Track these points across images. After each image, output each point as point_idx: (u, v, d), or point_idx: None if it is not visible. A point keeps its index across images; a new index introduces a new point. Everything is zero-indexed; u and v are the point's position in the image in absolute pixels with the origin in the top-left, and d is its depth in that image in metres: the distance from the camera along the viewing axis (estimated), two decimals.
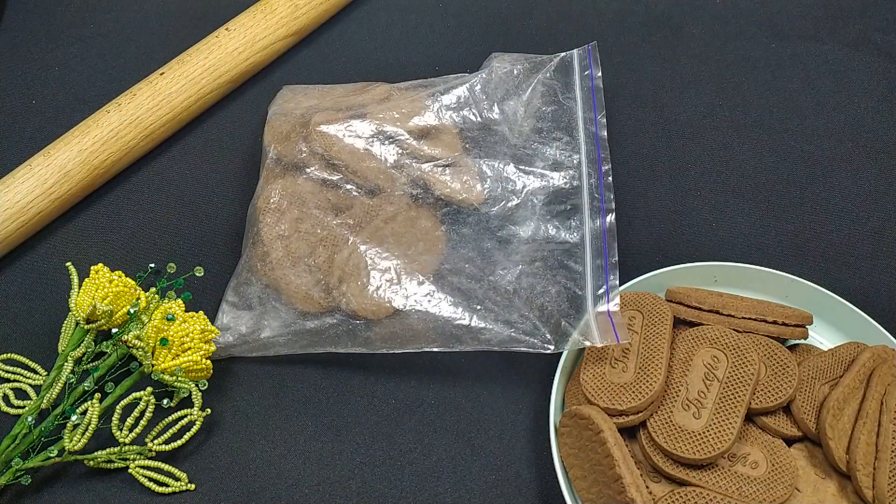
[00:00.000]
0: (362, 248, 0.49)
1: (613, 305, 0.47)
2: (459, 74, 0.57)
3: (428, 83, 0.57)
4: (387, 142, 0.53)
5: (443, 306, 0.47)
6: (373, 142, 0.52)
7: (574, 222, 0.51)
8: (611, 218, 0.50)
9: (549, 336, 0.46)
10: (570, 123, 0.55)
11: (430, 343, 0.47)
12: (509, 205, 0.52)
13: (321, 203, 0.51)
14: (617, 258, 0.48)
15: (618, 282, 0.47)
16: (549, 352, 0.46)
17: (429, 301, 0.48)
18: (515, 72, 0.57)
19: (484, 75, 0.56)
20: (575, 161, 0.53)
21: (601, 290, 0.47)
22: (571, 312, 0.47)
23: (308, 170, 0.52)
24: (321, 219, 0.50)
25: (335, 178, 0.52)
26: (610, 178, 0.52)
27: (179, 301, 0.46)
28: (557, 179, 0.53)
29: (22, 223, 0.51)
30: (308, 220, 0.50)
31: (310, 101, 0.56)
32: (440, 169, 0.52)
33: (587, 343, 0.45)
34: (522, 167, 0.53)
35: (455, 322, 0.47)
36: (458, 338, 0.47)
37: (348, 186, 0.51)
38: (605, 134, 0.54)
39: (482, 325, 0.47)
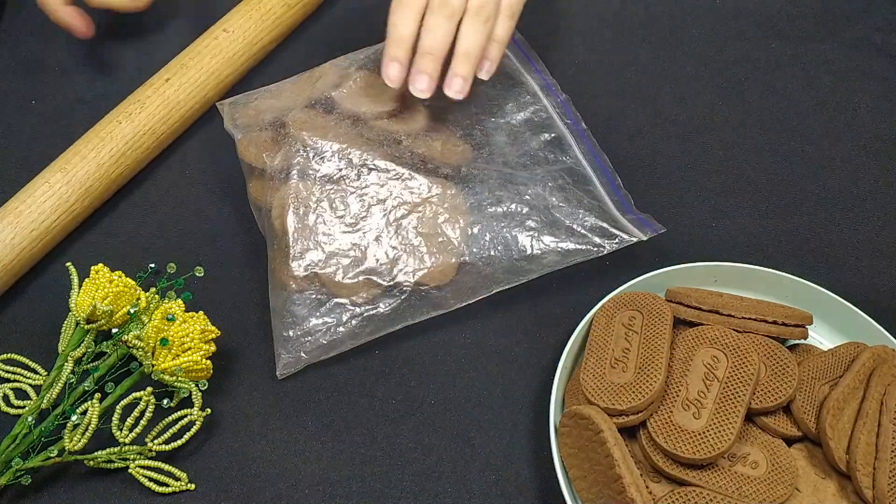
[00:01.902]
0: (404, 222, 0.50)
1: (630, 205, 0.51)
2: None
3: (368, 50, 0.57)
4: (368, 123, 0.53)
5: (499, 244, 0.49)
6: (357, 126, 0.53)
7: (564, 146, 0.54)
8: (589, 134, 0.55)
9: (597, 240, 0.49)
10: (515, 77, 0.57)
11: (498, 284, 0.48)
12: (503, 149, 0.53)
13: (337, 197, 0.51)
14: (612, 170, 0.53)
15: (624, 189, 0.52)
16: (604, 254, 0.49)
17: (485, 244, 0.49)
18: None
19: None
20: (535, 100, 0.56)
21: (616, 198, 0.52)
22: (603, 218, 0.51)
23: (309, 171, 0.51)
24: (348, 211, 0.50)
25: (339, 170, 0.52)
26: (572, 105, 0.57)
27: (179, 301, 0.46)
28: (528, 114, 0.55)
29: (45, 242, 0.51)
30: (333, 217, 0.50)
31: (266, 104, 0.55)
32: (425, 137, 0.53)
33: (633, 239, 0.49)
34: (494, 119, 0.55)
35: (516, 256, 0.49)
36: (523, 270, 0.49)
37: (353, 174, 0.51)
38: (551, 77, 0.58)
39: (539, 250, 0.49)
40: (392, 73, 0.47)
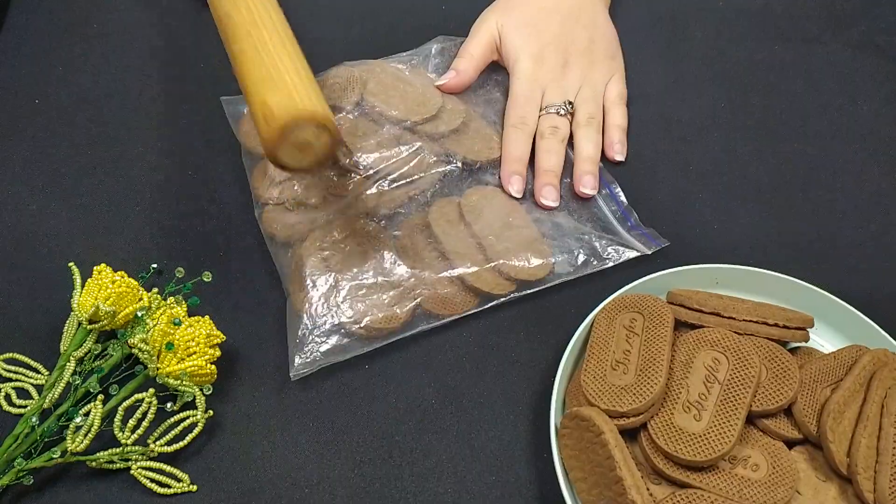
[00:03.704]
0: (475, 227, 0.51)
1: (634, 218, 0.54)
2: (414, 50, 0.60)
3: (394, 59, 0.59)
4: (410, 130, 0.54)
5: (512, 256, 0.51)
6: (399, 133, 0.54)
7: (566, 166, 0.57)
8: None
9: (601, 254, 0.52)
10: None
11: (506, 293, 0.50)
12: None
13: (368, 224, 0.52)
14: (616, 183, 0.56)
15: (625, 199, 0.55)
16: (607, 266, 0.51)
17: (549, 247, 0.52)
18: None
19: (436, 47, 0.61)
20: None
21: (618, 214, 0.55)
22: (611, 235, 0.53)
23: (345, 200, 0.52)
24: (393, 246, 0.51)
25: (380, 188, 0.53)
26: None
27: (184, 304, 0.46)
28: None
29: None
30: (360, 233, 0.51)
31: None
32: (456, 137, 0.55)
33: (636, 253, 0.52)
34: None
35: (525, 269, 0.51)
36: (532, 282, 0.50)
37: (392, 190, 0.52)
38: None
39: (546, 264, 0.51)
40: (516, 186, 0.54)
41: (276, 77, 0.41)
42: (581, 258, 0.51)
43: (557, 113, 0.57)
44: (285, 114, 0.39)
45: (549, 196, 0.54)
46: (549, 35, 0.58)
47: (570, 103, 0.57)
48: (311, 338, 0.47)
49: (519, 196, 0.54)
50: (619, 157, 0.58)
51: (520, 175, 0.55)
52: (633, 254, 0.52)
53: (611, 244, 0.52)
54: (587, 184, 0.55)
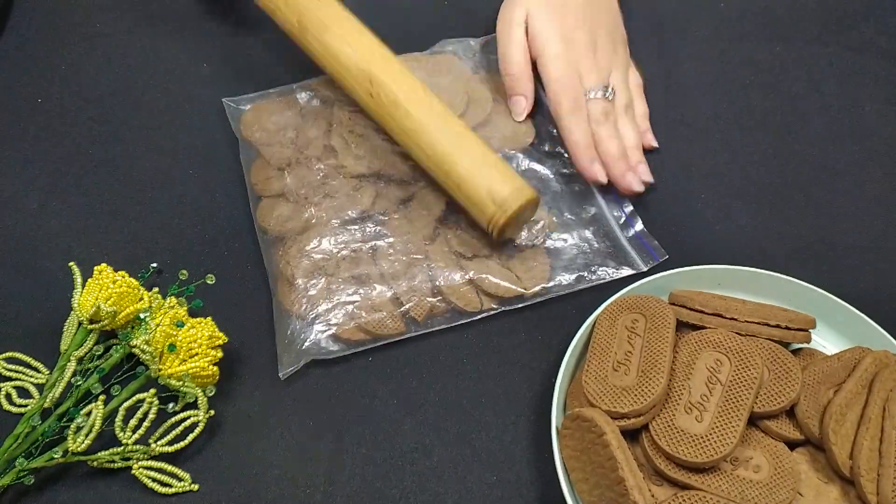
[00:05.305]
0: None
1: (639, 227, 0.54)
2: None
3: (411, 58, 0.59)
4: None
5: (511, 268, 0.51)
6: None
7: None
8: None
9: (599, 270, 0.51)
10: None
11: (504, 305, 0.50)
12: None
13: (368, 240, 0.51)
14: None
15: (631, 207, 0.55)
16: (605, 281, 0.51)
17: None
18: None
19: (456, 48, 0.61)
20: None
21: (622, 220, 0.54)
22: (610, 245, 0.53)
23: (341, 204, 0.52)
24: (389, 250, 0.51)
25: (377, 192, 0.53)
26: None
27: (185, 304, 0.46)
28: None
29: None
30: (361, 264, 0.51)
31: (285, 118, 0.56)
32: (483, 129, 0.55)
33: (632, 270, 0.51)
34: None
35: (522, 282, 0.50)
36: (530, 295, 0.50)
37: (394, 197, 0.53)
38: None
39: (554, 276, 0.50)
40: (599, 172, 0.54)
41: (494, 164, 0.48)
42: (576, 275, 0.51)
43: (604, 97, 0.56)
44: (516, 202, 0.47)
45: (633, 178, 0.54)
46: (576, 19, 0.57)
47: (612, 89, 0.57)
48: (299, 338, 0.47)
49: (606, 182, 0.54)
50: (655, 143, 0.59)
51: (598, 160, 0.54)
52: (628, 271, 0.52)
53: (607, 259, 0.52)
54: (643, 171, 0.55)
